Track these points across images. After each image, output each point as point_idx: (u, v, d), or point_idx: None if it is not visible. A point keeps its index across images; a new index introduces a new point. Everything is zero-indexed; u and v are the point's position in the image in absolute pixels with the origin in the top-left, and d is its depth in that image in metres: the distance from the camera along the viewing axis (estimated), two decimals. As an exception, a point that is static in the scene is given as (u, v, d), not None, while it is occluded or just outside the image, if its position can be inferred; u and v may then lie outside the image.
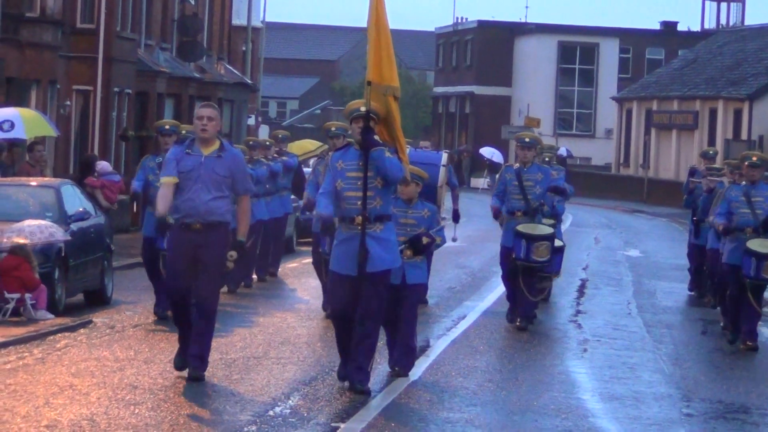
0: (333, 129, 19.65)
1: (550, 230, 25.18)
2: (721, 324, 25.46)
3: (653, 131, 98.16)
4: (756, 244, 23.22)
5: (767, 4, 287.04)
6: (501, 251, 25.79)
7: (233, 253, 17.83)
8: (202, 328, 18.01)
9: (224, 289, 26.63)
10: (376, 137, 17.53)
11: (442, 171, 27.58)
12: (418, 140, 25.45)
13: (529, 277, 24.89)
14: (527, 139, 25.59)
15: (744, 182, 24.35)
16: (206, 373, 19.23)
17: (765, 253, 23.21)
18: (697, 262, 32.15)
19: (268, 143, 34.10)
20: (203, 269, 17.78)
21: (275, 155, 32.87)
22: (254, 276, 32.71)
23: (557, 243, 26.52)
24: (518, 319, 25.25)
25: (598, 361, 24.10)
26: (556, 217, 27.54)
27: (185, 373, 18.52)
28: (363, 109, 17.52)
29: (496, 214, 25.82)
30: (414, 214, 19.23)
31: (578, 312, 30.60)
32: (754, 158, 24.87)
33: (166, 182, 17.84)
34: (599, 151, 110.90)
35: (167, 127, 28.36)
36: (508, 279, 25.70)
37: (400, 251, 18.52)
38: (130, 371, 19.90)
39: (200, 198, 17.65)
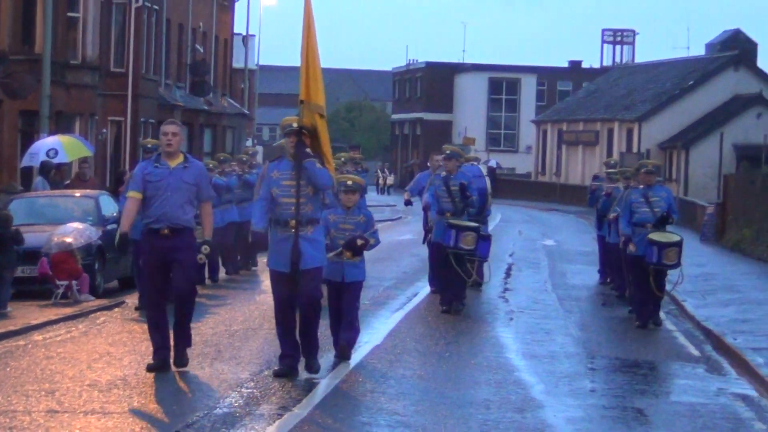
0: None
1: (474, 224, 24.41)
2: (629, 309, 24.86)
3: (564, 147, 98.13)
4: (657, 236, 23.02)
5: (652, 46, 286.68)
6: (432, 248, 25.21)
7: (206, 248, 16.84)
8: (184, 321, 17.05)
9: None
10: (308, 150, 16.67)
11: (487, 181, 27.30)
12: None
13: (460, 262, 24.04)
14: (448, 152, 25.00)
15: (641, 186, 24.03)
16: (215, 340, 19.37)
17: (665, 242, 23.02)
18: (602, 252, 31.58)
19: (244, 158, 33.78)
20: (176, 269, 16.79)
21: (248, 168, 32.43)
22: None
23: (484, 233, 25.68)
24: (453, 303, 24.32)
25: (522, 327, 24.09)
26: (482, 215, 26.46)
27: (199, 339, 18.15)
28: (295, 125, 16.77)
29: (426, 208, 25.89)
30: (351, 220, 18.21)
31: (506, 289, 30.59)
32: (650, 166, 24.92)
33: (132, 197, 16.85)
34: (522, 163, 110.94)
35: (149, 145, 27.95)
36: (441, 268, 24.77)
37: (339, 253, 17.85)
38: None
39: (169, 204, 16.61)
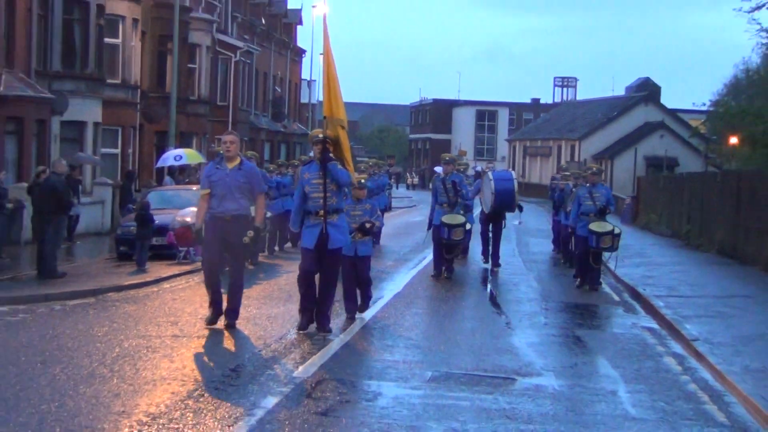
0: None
1: (462, 219, 23.59)
2: (574, 275, 23.66)
3: (527, 157, 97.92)
4: (595, 226, 22.26)
5: (588, 88, 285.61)
6: (433, 230, 23.78)
7: (250, 232, 15.41)
8: (235, 290, 15.70)
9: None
10: (331, 155, 15.54)
11: (516, 183, 26.64)
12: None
13: (450, 250, 23.48)
14: (447, 158, 24.29)
15: (588, 184, 23.28)
16: (254, 303, 18.35)
17: (601, 231, 22.26)
18: (556, 231, 31.16)
19: (296, 163, 32.50)
20: (231, 249, 15.55)
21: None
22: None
23: (467, 226, 24.58)
24: (444, 271, 23.40)
25: (496, 281, 24.01)
26: (467, 207, 25.30)
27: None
28: (321, 135, 15.68)
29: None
30: (360, 208, 17.05)
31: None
32: (594, 168, 24.44)
33: (203, 195, 15.68)
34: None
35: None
36: (437, 247, 23.75)
37: (352, 234, 16.59)
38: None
39: (229, 197, 15.41)
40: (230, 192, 15.45)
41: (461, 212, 23.91)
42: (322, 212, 15.42)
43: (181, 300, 18.97)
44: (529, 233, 40.79)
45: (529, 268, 27.33)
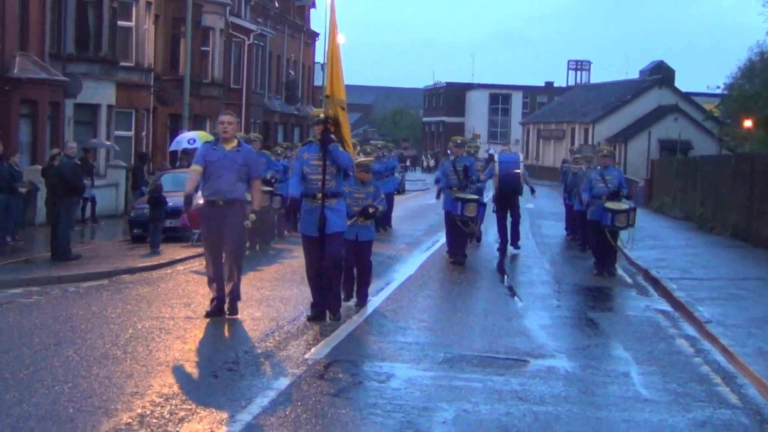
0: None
1: (476, 196, 23.14)
2: (593, 261, 22.71)
3: (541, 140, 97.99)
4: (610, 204, 21.70)
5: (602, 71, 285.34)
6: (445, 215, 23.45)
7: (253, 215, 15.15)
8: (234, 278, 14.93)
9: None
10: (332, 136, 14.82)
11: (522, 166, 25.59)
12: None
13: (465, 225, 22.87)
14: (458, 141, 23.69)
15: (599, 167, 22.66)
16: (268, 285, 18.31)
17: (616, 209, 21.71)
18: (569, 215, 30.66)
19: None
20: (228, 235, 14.77)
21: None
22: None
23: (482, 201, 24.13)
24: (458, 255, 22.86)
25: (510, 264, 24.01)
26: (479, 190, 24.76)
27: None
28: (322, 116, 14.98)
29: (436, 182, 24.04)
30: (363, 191, 16.44)
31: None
32: (605, 151, 23.75)
33: (195, 170, 14.94)
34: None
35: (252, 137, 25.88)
36: (450, 231, 23.28)
37: (354, 218, 16.06)
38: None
39: (224, 181, 14.66)
40: (226, 174, 14.74)
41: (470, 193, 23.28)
42: (320, 195, 14.72)
43: (195, 282, 19.00)
44: (542, 216, 40.75)
45: (542, 250, 27.29)
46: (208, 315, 14.85)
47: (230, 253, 15.01)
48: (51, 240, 22.48)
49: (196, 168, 14.97)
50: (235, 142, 15.00)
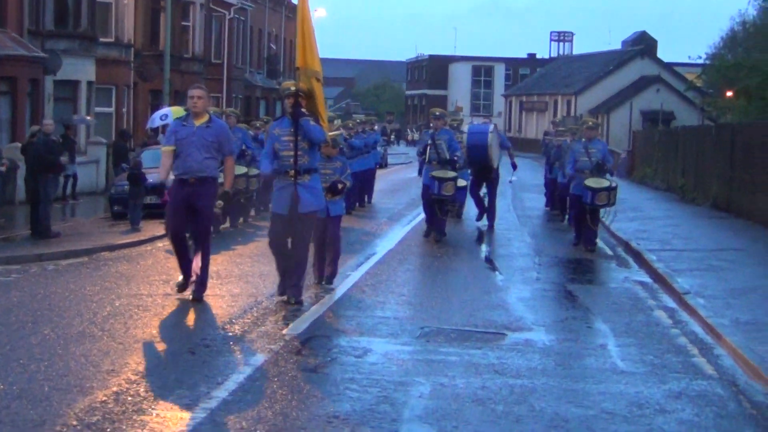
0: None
1: (453, 174, 22.02)
2: (574, 235, 22.35)
3: (523, 113, 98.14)
4: (591, 182, 21.12)
5: (585, 42, 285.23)
6: (422, 188, 22.62)
7: (220, 202, 14.33)
8: (201, 260, 14.40)
9: (227, 225, 23.74)
10: (303, 110, 14.13)
11: (490, 136, 24.70)
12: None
13: (441, 205, 22.19)
14: (437, 113, 22.79)
15: (584, 139, 22.00)
16: (247, 261, 18.21)
17: (596, 187, 21.08)
18: (550, 188, 30.69)
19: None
20: (197, 213, 14.15)
21: None
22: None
23: (461, 183, 23.19)
24: (433, 234, 22.28)
25: (490, 237, 24.03)
26: (458, 165, 22.55)
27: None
28: (293, 88, 14.24)
29: (418, 154, 23.12)
30: (330, 166, 15.72)
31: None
32: (590, 123, 23.03)
33: (166, 150, 14.36)
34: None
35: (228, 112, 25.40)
36: (426, 207, 22.56)
37: (324, 194, 15.14)
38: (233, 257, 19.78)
39: (194, 158, 13.97)
40: (196, 151, 14.05)
41: (451, 169, 22.33)
42: (292, 172, 14.09)
43: (174, 259, 18.96)
44: (525, 188, 40.73)
45: (523, 223, 27.34)
46: (179, 288, 14.66)
47: (198, 235, 14.47)
48: (30, 218, 22.41)
49: (166, 149, 14.39)
50: (206, 117, 14.29)
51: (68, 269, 17.67)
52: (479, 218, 26.01)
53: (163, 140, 35.35)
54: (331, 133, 16.09)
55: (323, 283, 15.78)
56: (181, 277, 14.74)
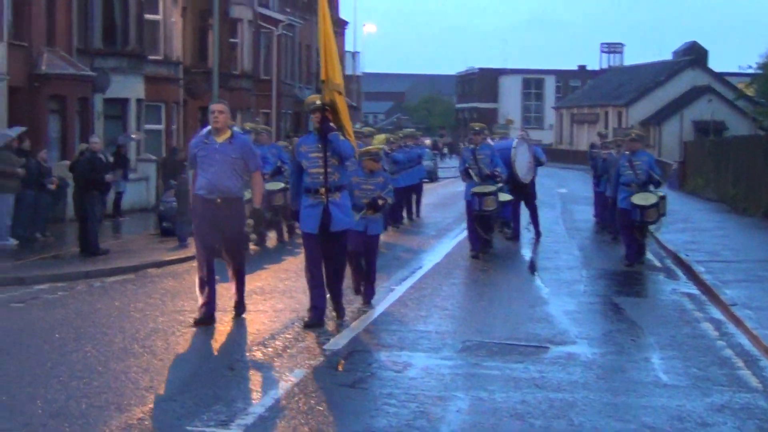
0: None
1: (493, 188, 21.33)
2: (625, 252, 21.32)
3: (574, 125, 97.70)
4: (638, 198, 20.45)
5: (635, 53, 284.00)
6: (466, 205, 21.96)
7: (251, 221, 13.74)
8: (238, 283, 14.04)
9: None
10: (332, 124, 13.59)
11: (513, 152, 23.68)
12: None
13: (485, 222, 21.70)
14: (476, 128, 22.31)
15: (627, 152, 21.29)
16: (292, 276, 17.96)
17: (644, 204, 20.43)
18: (598, 201, 29.50)
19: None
20: (228, 237, 13.54)
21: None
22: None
23: (504, 197, 22.47)
24: (478, 250, 21.55)
25: (537, 251, 23.88)
26: (499, 180, 21.77)
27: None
28: (318, 103, 13.69)
29: (463, 174, 21.72)
30: (372, 181, 15.41)
31: (530, 223, 30.26)
32: (633, 134, 22.22)
33: (193, 173, 13.85)
34: (546, 136, 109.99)
35: (248, 128, 24.62)
36: (470, 224, 21.89)
37: (363, 211, 15.16)
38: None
39: (218, 176, 13.32)
40: (220, 169, 13.40)
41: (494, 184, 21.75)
42: (323, 190, 13.49)
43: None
44: (574, 201, 40.65)
45: (572, 236, 27.18)
46: (196, 323, 13.54)
47: (232, 260, 13.89)
48: (79, 235, 22.56)
49: (193, 172, 13.90)
50: (228, 133, 13.65)
51: (114, 286, 17.75)
52: (515, 237, 25.26)
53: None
54: (369, 147, 16.07)
55: (362, 304, 15.41)
56: (201, 310, 13.76)
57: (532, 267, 20.82)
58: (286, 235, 24.90)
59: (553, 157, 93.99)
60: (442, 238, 25.65)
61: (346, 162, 13.74)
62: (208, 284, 13.69)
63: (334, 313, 14.15)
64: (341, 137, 13.63)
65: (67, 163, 28.97)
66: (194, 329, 13.24)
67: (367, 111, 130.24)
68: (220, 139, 13.56)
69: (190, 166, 14.09)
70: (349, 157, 13.70)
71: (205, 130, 13.90)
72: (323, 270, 13.79)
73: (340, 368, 11.18)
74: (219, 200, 13.41)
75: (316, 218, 13.54)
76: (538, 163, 26.03)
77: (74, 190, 23.60)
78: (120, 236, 27.27)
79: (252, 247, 21.70)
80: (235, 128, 15.21)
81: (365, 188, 15.41)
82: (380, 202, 15.36)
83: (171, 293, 16.65)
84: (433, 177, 58.14)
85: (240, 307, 14.15)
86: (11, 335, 12.94)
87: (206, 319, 13.59)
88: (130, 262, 20.90)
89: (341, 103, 14.02)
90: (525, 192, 25.29)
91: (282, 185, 23.14)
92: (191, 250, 22.27)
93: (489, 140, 24.18)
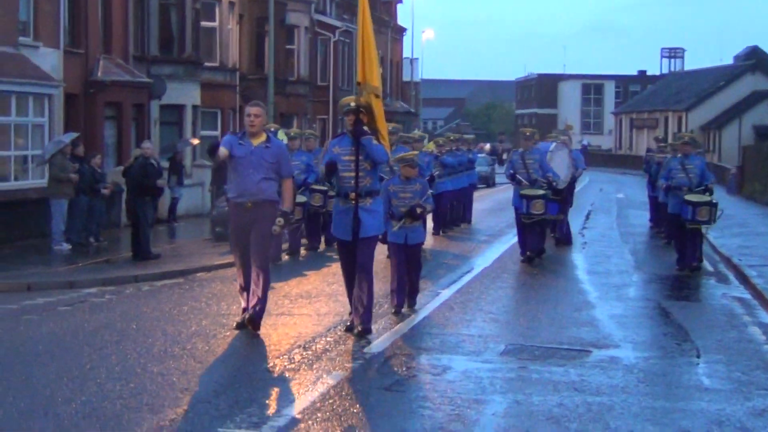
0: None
1: (542, 192, 21.06)
2: (677, 257, 20.84)
3: (634, 130, 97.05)
4: (692, 197, 20.07)
5: (696, 58, 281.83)
6: (515, 211, 21.67)
7: (280, 220, 13.10)
8: (261, 285, 13.22)
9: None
10: (366, 128, 13.16)
11: (549, 155, 23.06)
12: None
13: (532, 225, 21.26)
14: (527, 133, 22.09)
15: (680, 155, 20.92)
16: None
17: (697, 201, 20.01)
18: (653, 205, 29.37)
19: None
20: (254, 240, 13.13)
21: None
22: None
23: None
24: (529, 253, 21.29)
25: (590, 253, 23.72)
26: (555, 183, 21.64)
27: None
28: (353, 104, 13.23)
29: (510, 179, 21.67)
30: (410, 189, 14.89)
31: (584, 227, 30.14)
32: (686, 138, 22.08)
33: (222, 152, 13.01)
34: (606, 141, 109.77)
35: (292, 134, 23.54)
36: (519, 229, 21.68)
37: (402, 221, 14.79)
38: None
39: (251, 179, 13.00)
40: (254, 172, 13.05)
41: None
42: (353, 195, 13.08)
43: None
44: (631, 205, 40.43)
45: (625, 240, 26.99)
46: (238, 327, 13.46)
47: (255, 261, 13.29)
48: (132, 240, 22.67)
49: (223, 151, 13.15)
50: (263, 137, 13.37)
51: (162, 290, 17.79)
52: (567, 242, 25.16)
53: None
54: (406, 153, 15.61)
55: (402, 311, 14.92)
56: (245, 307, 13.60)
57: (583, 271, 20.63)
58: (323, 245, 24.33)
59: (612, 163, 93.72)
60: (493, 243, 25.53)
61: (379, 167, 13.44)
62: (247, 289, 13.45)
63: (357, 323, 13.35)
64: (375, 141, 13.16)
65: (122, 168, 29.20)
66: (237, 332, 13.23)
67: (427, 117, 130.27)
68: (256, 142, 13.27)
69: (214, 161, 13.63)
70: (382, 162, 13.39)
71: (240, 132, 13.60)
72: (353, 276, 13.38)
73: (377, 371, 11.11)
74: (249, 204, 13.12)
75: (347, 225, 13.15)
76: (576, 167, 25.55)
77: (127, 195, 23.73)
78: (173, 241, 27.40)
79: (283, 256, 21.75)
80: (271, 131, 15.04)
81: (402, 196, 14.99)
82: (419, 210, 14.90)
83: (217, 297, 16.65)
84: (490, 182, 58.03)
85: (260, 308, 13.39)
86: (55, 338, 12.98)
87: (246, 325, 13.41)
88: (180, 266, 20.97)
89: (377, 106, 13.50)
90: (560, 198, 24.62)
91: (304, 198, 22.28)
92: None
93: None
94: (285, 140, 22.93)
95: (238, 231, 13.37)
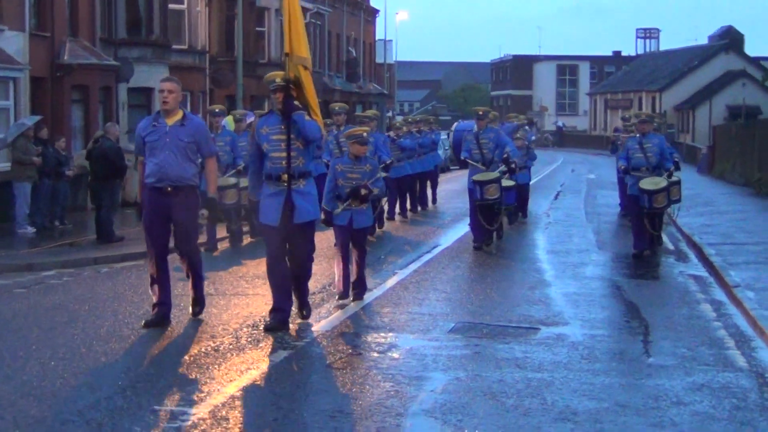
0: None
1: (496, 175, 20.00)
2: (633, 241, 19.98)
3: (608, 110, 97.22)
4: (646, 183, 19.19)
5: (671, 39, 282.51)
6: (468, 194, 20.70)
7: (205, 212, 12.41)
8: (195, 278, 12.89)
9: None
10: (296, 103, 12.12)
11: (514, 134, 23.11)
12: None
13: (488, 212, 20.26)
14: (480, 113, 20.78)
15: (637, 135, 19.96)
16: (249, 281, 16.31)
17: (652, 189, 19.09)
18: (621, 189, 29.11)
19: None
20: (178, 228, 12.40)
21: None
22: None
23: (507, 183, 21.27)
24: (481, 241, 20.28)
25: (552, 233, 23.78)
26: (510, 163, 20.20)
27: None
28: (279, 80, 12.05)
29: (461, 165, 21.24)
30: (358, 170, 13.98)
31: (550, 208, 30.25)
32: (643, 116, 21.30)
33: (143, 161, 12.37)
34: (581, 122, 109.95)
35: (216, 110, 22.34)
36: (472, 214, 20.57)
37: (348, 203, 13.90)
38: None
39: (168, 163, 12.03)
40: (171, 154, 12.11)
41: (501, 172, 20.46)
42: (285, 176, 12.05)
43: (226, 259, 19.04)
44: (601, 186, 40.57)
45: (590, 219, 27.08)
46: (147, 325, 12.28)
47: (183, 254, 12.76)
48: (95, 223, 22.63)
49: (143, 159, 12.44)
50: (179, 115, 12.37)
51: (121, 272, 17.78)
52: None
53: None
54: (354, 129, 14.94)
55: (351, 299, 14.23)
56: (155, 311, 12.58)
57: (542, 250, 20.69)
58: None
59: (586, 144, 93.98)
60: (457, 224, 25.54)
61: (312, 145, 12.44)
62: (158, 283, 12.61)
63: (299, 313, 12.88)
64: (307, 117, 12.18)
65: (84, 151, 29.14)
66: (187, 314, 13.16)
67: (403, 99, 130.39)
68: (171, 121, 12.33)
69: (137, 152, 12.63)
70: (315, 139, 12.33)
71: (155, 113, 12.72)
72: (287, 267, 12.48)
73: (322, 349, 11.16)
74: (169, 188, 12.19)
75: (277, 209, 12.13)
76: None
77: (90, 177, 23.68)
78: (140, 224, 27.30)
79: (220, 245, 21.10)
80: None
81: (351, 177, 14.10)
82: (363, 191, 13.98)
83: (174, 278, 16.57)
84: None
85: (199, 304, 13.03)
86: (3, 319, 12.96)
87: (158, 321, 12.39)
88: (141, 248, 20.76)
89: (307, 78, 12.46)
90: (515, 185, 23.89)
91: (234, 180, 20.87)
92: (203, 236, 22.32)
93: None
94: (232, 126, 22.66)
95: (153, 218, 12.41)
